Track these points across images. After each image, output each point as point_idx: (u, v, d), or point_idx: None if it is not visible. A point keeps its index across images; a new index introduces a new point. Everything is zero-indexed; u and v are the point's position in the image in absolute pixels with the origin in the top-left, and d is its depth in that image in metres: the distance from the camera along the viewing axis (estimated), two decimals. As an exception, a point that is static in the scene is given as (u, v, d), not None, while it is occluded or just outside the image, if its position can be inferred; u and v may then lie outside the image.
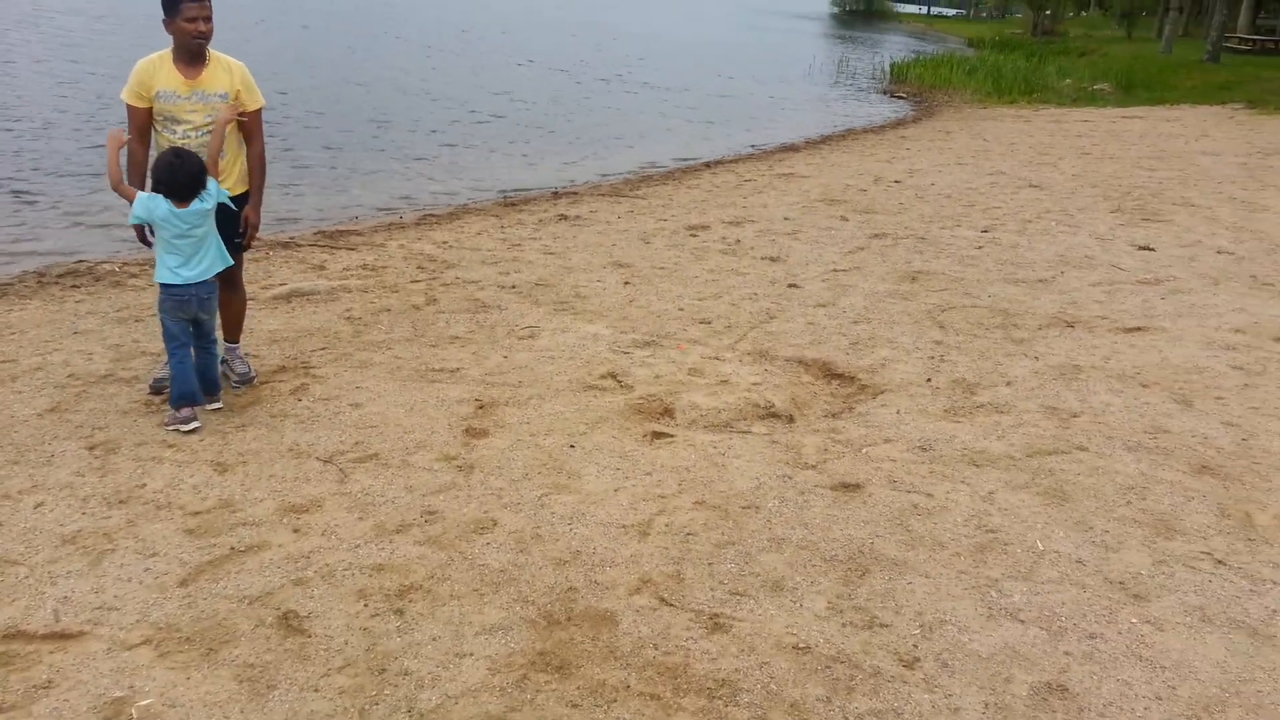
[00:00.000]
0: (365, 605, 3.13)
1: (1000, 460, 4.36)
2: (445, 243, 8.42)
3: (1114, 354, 5.79)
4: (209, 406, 4.60)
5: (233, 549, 3.44)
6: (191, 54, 4.42)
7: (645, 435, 4.60)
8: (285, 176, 10.54)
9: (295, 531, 3.58)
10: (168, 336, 4.43)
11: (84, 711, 2.58)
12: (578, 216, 9.66)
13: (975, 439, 4.59)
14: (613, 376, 5.31)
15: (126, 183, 4.41)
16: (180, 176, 4.22)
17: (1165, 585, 3.40)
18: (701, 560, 3.49)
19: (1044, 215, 9.98)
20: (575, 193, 11.23)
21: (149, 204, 4.28)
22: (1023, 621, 3.15)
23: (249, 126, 4.67)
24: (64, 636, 2.90)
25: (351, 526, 3.64)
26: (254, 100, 4.63)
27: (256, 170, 4.74)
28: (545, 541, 3.59)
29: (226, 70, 4.52)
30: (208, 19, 4.35)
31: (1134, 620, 3.18)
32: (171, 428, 4.36)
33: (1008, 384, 5.30)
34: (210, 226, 4.43)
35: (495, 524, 3.71)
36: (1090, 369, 5.53)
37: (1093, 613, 3.22)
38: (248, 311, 5.22)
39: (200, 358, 4.60)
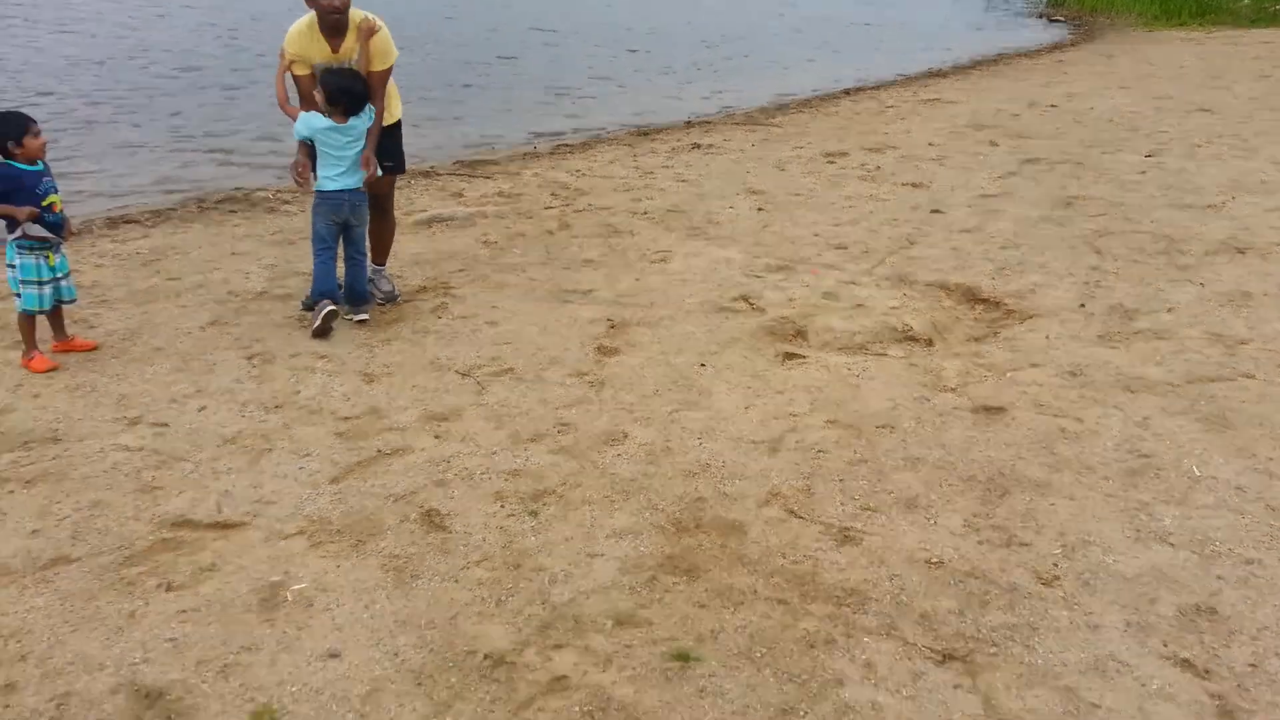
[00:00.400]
0: (502, 506, 3.23)
1: (1158, 386, 4.11)
2: (579, 171, 8.46)
3: (1291, 281, 5.33)
4: (355, 318, 4.80)
5: (379, 451, 3.60)
6: (330, 26, 4.52)
7: (777, 356, 4.54)
8: (427, 109, 10.78)
9: (436, 438, 3.72)
10: (316, 239, 4.72)
11: (244, 593, 2.77)
12: (711, 145, 9.53)
13: (1132, 365, 4.33)
14: (745, 299, 5.25)
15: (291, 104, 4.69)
16: (356, 88, 4.51)
17: (1341, 518, 3.14)
18: (832, 476, 3.44)
19: (1215, 140, 9.22)
20: (709, 122, 11.06)
21: (310, 120, 4.59)
22: (1173, 545, 2.98)
23: (375, 80, 4.67)
24: (226, 526, 3.11)
25: (489, 435, 3.75)
26: (380, 61, 4.63)
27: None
28: (675, 454, 3.61)
29: (355, 31, 4.56)
30: None
31: (1302, 551, 2.96)
32: (314, 318, 4.64)
33: (1169, 310, 4.97)
34: (364, 143, 4.63)
35: (626, 436, 3.75)
36: (1262, 296, 5.12)
37: (1250, 539, 3.01)
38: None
39: (350, 270, 4.83)
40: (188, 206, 7.08)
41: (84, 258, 5.74)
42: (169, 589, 2.78)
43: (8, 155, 4.03)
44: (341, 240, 4.82)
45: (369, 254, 5.10)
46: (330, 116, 4.56)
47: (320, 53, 4.58)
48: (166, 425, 3.75)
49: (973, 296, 5.31)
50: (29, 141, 4.04)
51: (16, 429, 3.67)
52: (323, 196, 4.70)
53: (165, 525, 3.09)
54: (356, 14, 4.58)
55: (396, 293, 5.19)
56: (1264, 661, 2.46)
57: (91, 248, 5.99)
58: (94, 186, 7.62)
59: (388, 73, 4.72)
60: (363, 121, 4.63)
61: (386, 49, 4.66)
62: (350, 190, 4.70)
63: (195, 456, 3.53)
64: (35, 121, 4.11)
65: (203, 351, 4.43)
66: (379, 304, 5.08)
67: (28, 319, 4.20)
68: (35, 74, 11.33)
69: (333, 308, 4.66)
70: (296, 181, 4.76)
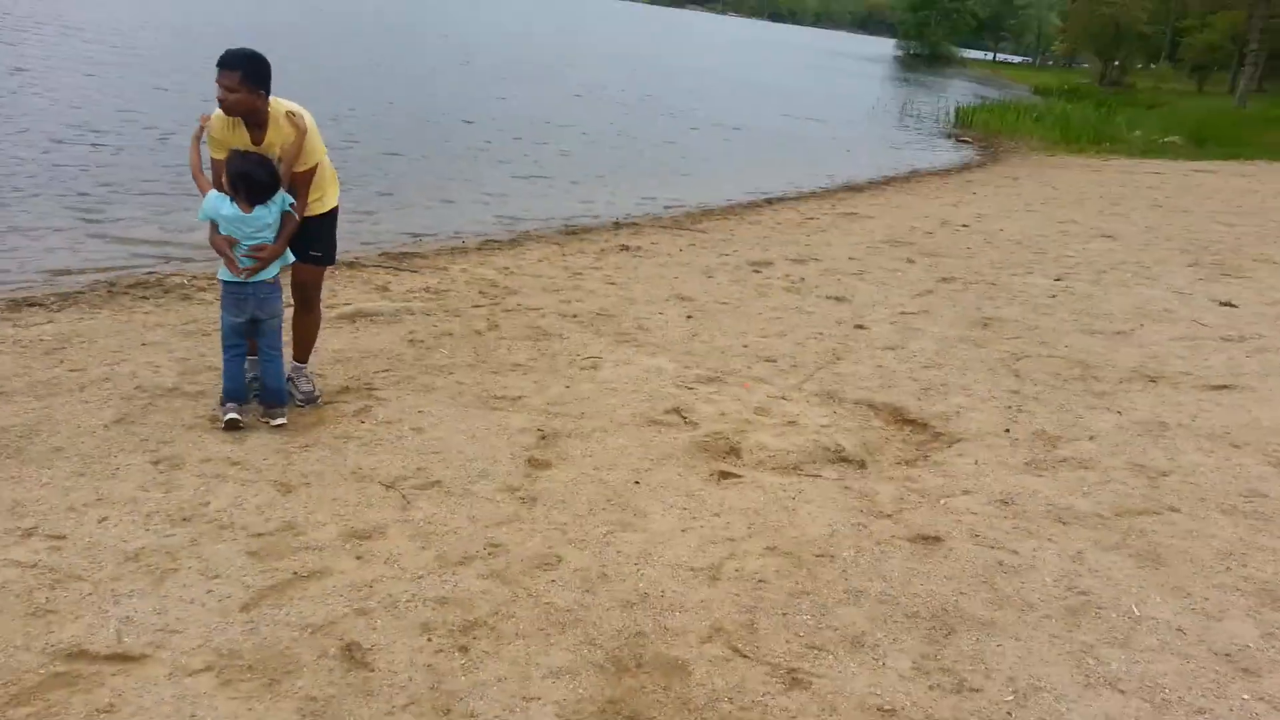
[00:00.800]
0: (429, 640, 3.03)
1: (1088, 518, 4.16)
2: (507, 269, 8.40)
3: (1200, 412, 5.54)
4: (272, 422, 4.57)
5: (295, 574, 3.36)
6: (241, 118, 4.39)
7: (712, 474, 4.47)
8: (353, 200, 10.64)
9: (358, 559, 3.50)
10: (224, 334, 4.52)
11: (143, 738, 2.50)
12: (639, 248, 9.61)
13: (1060, 494, 4.38)
14: (677, 412, 5.19)
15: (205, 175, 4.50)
16: (258, 175, 4.26)
17: (1277, 660, 3.17)
18: (775, 610, 3.34)
19: (1119, 266, 9.71)
20: (636, 224, 11.19)
21: (216, 203, 4.37)
22: (1123, 692, 2.96)
23: (297, 181, 4.53)
24: (126, 659, 2.83)
25: (414, 556, 3.55)
26: (303, 161, 4.49)
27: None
28: (612, 581, 3.47)
29: (279, 125, 4.43)
30: (231, 90, 4.22)
31: (1245, 696, 2.97)
32: (220, 419, 4.48)
33: (1091, 438, 5.08)
34: (273, 233, 4.44)
35: (560, 560, 3.59)
36: (1177, 426, 5.29)
37: (1199, 685, 3.01)
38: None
39: (264, 367, 4.61)
40: (97, 290, 6.75)
41: (-26, 342, 5.38)
42: (56, 737, 2.49)
43: None
44: (258, 335, 4.61)
45: (289, 350, 4.91)
46: (235, 203, 4.37)
47: (241, 142, 4.42)
48: (64, 538, 3.44)
49: (900, 417, 5.36)
50: None
51: (-114, 539, 3.32)
52: (226, 288, 4.48)
53: (59, 657, 2.80)
54: (280, 107, 4.43)
55: (317, 393, 4.98)
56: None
57: (-12, 331, 5.62)
58: (-9, 264, 7.22)
59: (309, 173, 4.55)
60: (270, 214, 4.39)
61: (309, 148, 4.49)
62: (254, 283, 4.46)
63: (94, 575, 3.23)
64: None
65: (106, 453, 4.13)
66: (297, 405, 4.85)
67: None
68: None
69: (234, 416, 4.46)
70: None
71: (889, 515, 4.13)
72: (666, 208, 12.51)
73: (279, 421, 4.59)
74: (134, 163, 11.03)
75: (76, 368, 5.10)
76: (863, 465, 4.69)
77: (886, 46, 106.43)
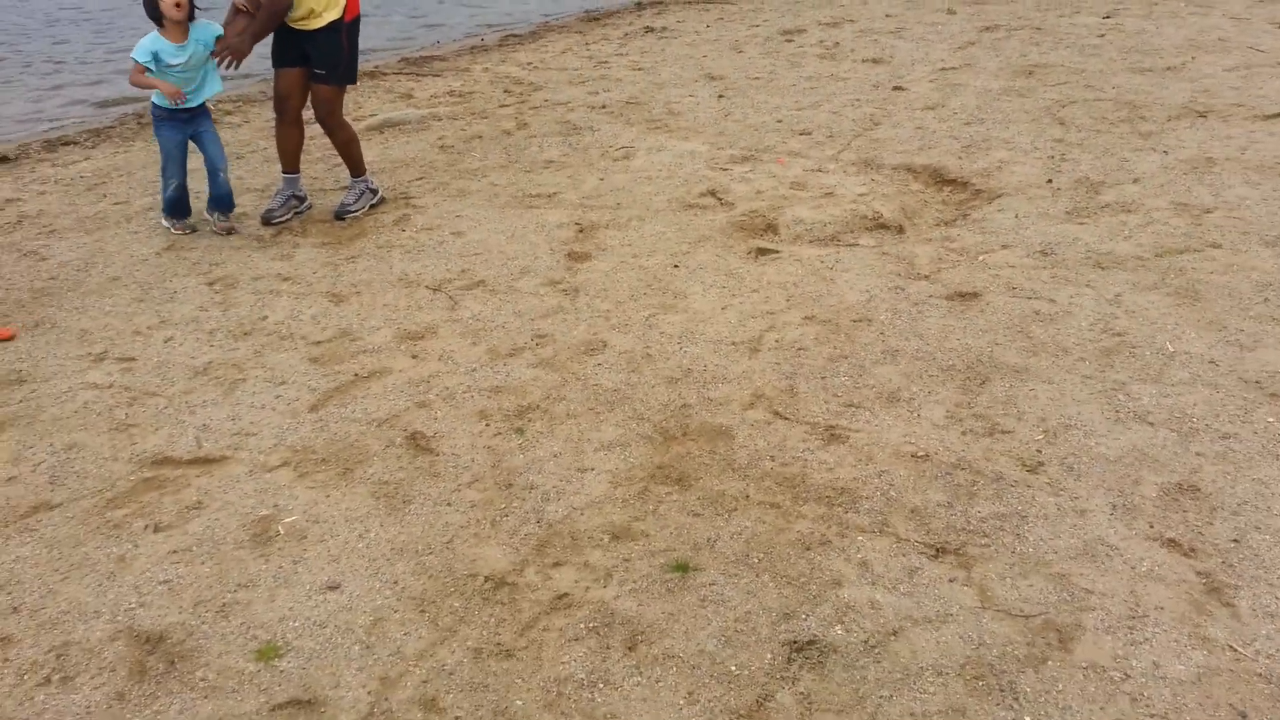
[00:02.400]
0: (487, 425, 3.21)
1: (1127, 261, 4.13)
2: (530, 64, 8.18)
3: (1251, 144, 5.34)
4: (222, 225, 4.78)
5: (356, 375, 3.54)
6: None
7: (750, 252, 4.50)
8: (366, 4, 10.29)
9: (413, 358, 3.66)
10: (163, 156, 4.62)
11: (235, 529, 2.75)
12: (664, 28, 9.23)
13: (1100, 240, 4.35)
14: (712, 194, 5.17)
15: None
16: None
17: (1309, 386, 3.22)
18: (814, 374, 3.45)
19: (1175, -4, 9.09)
20: (660, 2, 10.69)
21: (149, 43, 4.39)
22: (1152, 424, 3.05)
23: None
24: (208, 461, 3.06)
25: (466, 351, 3.70)
26: None
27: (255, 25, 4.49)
28: (656, 360, 3.59)
29: None
30: None
31: (1271, 419, 3.04)
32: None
33: (1135, 181, 4.97)
34: (205, 62, 4.50)
35: (605, 345, 3.72)
36: (1225, 161, 5.13)
37: (1226, 413, 3.09)
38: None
39: (211, 182, 4.72)
40: (126, 123, 6.77)
41: (25, 185, 5.50)
42: (157, 530, 2.75)
43: None
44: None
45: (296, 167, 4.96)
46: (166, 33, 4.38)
47: None
48: (134, 359, 3.65)
49: (940, 178, 5.27)
50: None
51: (-23, 374, 3.56)
52: (160, 116, 4.55)
53: (145, 464, 3.04)
54: None
55: (353, 207, 5.01)
56: (1246, 536, 2.55)
57: (31, 174, 5.73)
58: (21, 110, 7.25)
59: None
60: (201, 43, 4.43)
61: None
62: (187, 108, 4.54)
63: (167, 391, 3.45)
64: None
65: (162, 279, 4.30)
66: (341, 217, 4.94)
67: None
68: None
69: (179, 231, 4.75)
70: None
71: (926, 276, 4.15)
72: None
73: (226, 225, 4.78)
74: None
75: (120, 201, 5.20)
76: (901, 230, 4.68)
77: None
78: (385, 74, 8.12)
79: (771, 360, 3.56)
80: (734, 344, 3.68)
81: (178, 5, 4.29)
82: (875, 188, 5.13)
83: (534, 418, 3.26)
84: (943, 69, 7.23)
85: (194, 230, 4.78)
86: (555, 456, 3.05)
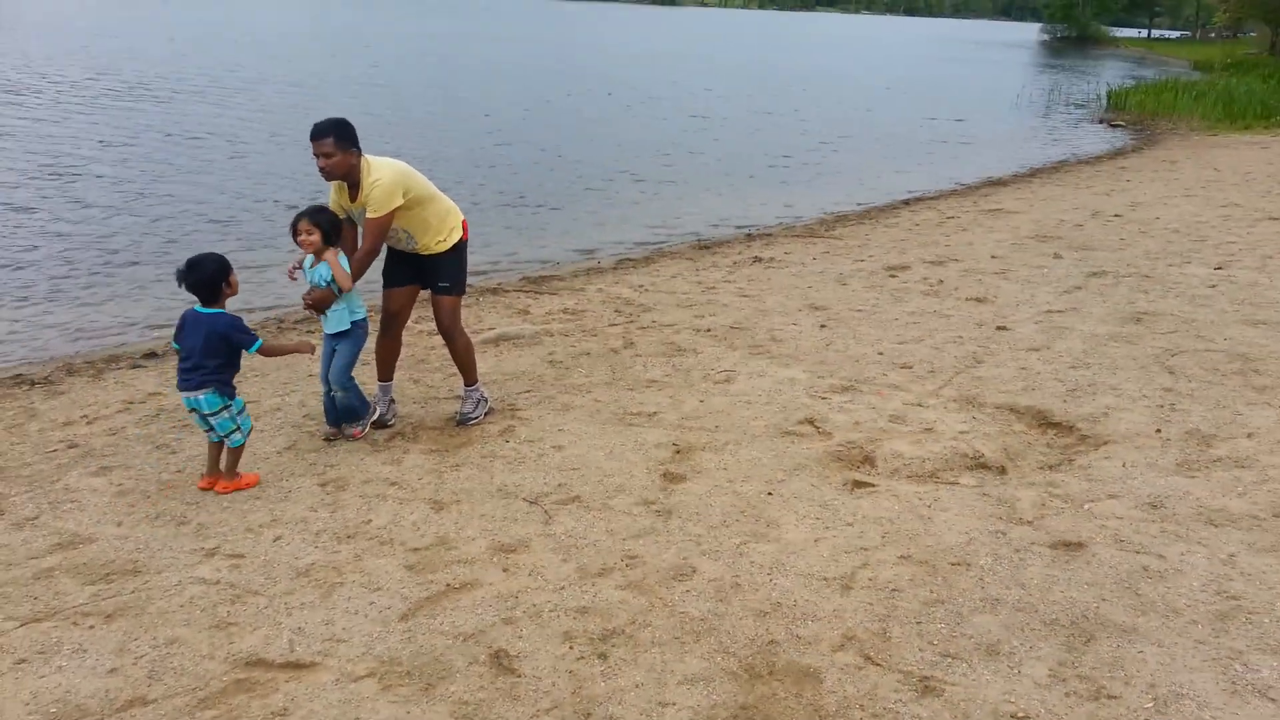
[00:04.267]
0: (571, 647, 3.20)
1: (1242, 519, 3.96)
2: (641, 286, 8.60)
3: (1381, 403, 5.15)
4: (345, 432, 5.04)
5: (448, 586, 3.61)
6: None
7: (846, 484, 4.49)
8: (492, 222, 11.14)
9: (505, 571, 3.72)
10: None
11: (316, 736, 2.76)
12: (772, 258, 9.64)
13: (1213, 495, 4.19)
14: (811, 422, 5.23)
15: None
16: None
17: None
18: (909, 618, 3.35)
19: (1288, 248, 9.07)
20: (769, 234, 11.22)
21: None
22: (1274, 700, 2.83)
23: (364, 228, 4.82)
24: (298, 666, 3.12)
25: (557, 568, 3.74)
26: (372, 210, 4.73)
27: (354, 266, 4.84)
28: (745, 591, 3.56)
29: (370, 187, 4.72)
30: (326, 155, 4.61)
31: None
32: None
33: (1249, 435, 4.82)
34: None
35: (694, 571, 3.71)
36: (1352, 420, 4.94)
37: (1366, 700, 2.84)
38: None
39: (335, 396, 5.01)
40: (266, 326, 7.33)
41: (168, 379, 5.95)
42: (241, 734, 2.78)
43: (220, 296, 4.28)
44: None
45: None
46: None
47: (345, 201, 4.83)
48: (242, 556, 3.81)
49: (1044, 420, 5.22)
50: (234, 280, 4.36)
51: (99, 560, 3.76)
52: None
53: (239, 664, 3.11)
54: (368, 167, 4.72)
55: (473, 416, 5.25)
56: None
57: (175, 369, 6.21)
58: (169, 309, 7.94)
59: (377, 220, 4.72)
60: (320, 276, 4.75)
61: (378, 200, 4.70)
62: (327, 335, 4.95)
63: (269, 590, 3.57)
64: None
65: (279, 477, 4.53)
66: (463, 424, 5.17)
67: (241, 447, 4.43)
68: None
69: (331, 438, 5.03)
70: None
71: (1029, 522, 4.05)
72: (799, 217, 12.49)
73: (350, 431, 5.04)
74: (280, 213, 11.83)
75: (251, 399, 5.57)
76: (1003, 471, 4.61)
77: (1030, 32, 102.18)
78: (506, 291, 8.65)
79: (864, 600, 3.48)
80: (825, 579, 3.62)
81: (304, 240, 4.72)
82: (976, 426, 5.11)
83: (618, 643, 3.23)
84: (1048, 311, 7.30)
85: (330, 440, 5.00)
86: (637, 687, 2.99)
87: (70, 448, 4.86)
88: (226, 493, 4.35)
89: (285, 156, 14.33)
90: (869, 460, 4.73)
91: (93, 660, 3.12)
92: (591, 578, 3.66)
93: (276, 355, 4.74)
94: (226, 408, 4.31)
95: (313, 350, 4.93)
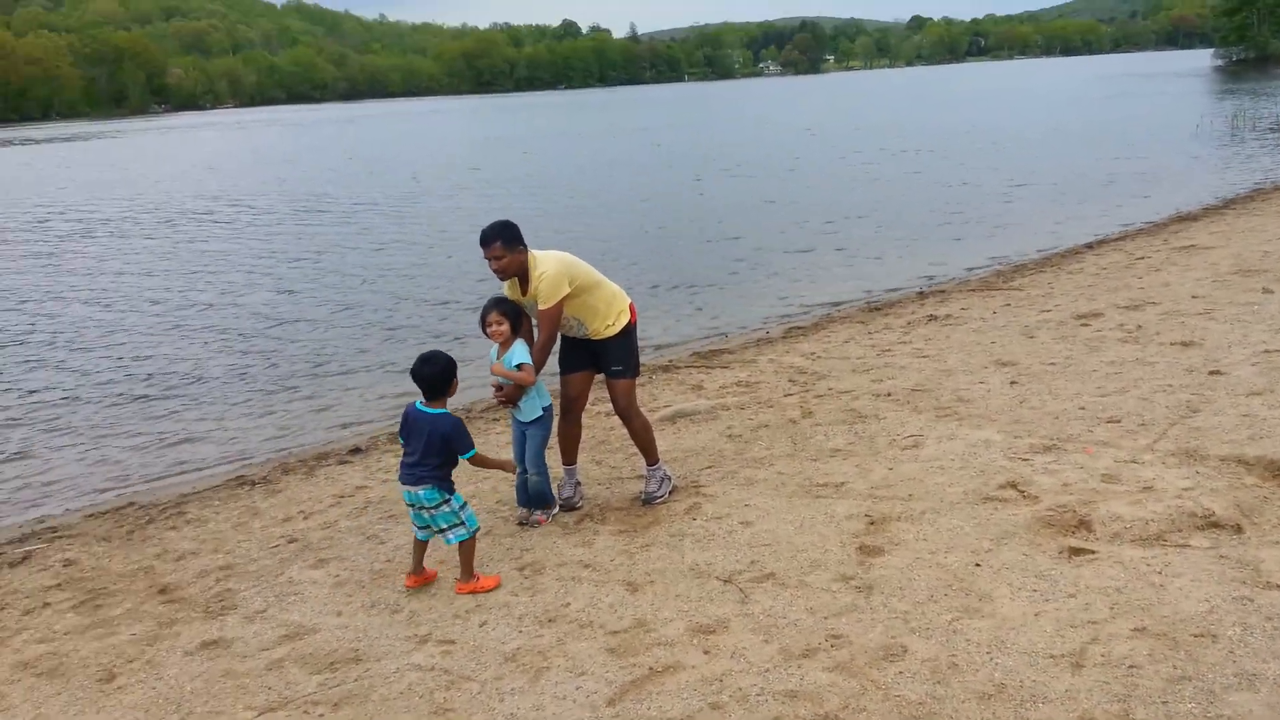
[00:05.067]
0: (783, 734, 3.09)
1: None
2: (813, 353, 8.49)
3: None
4: (531, 517, 5.12)
5: (651, 669, 3.57)
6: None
7: (1061, 551, 4.20)
8: (657, 301, 11.31)
9: (706, 653, 3.65)
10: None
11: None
12: (948, 315, 9.34)
13: None
14: (1013, 486, 4.95)
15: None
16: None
17: None
18: (1154, 698, 3.06)
19: None
20: (942, 291, 10.90)
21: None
22: None
23: (539, 320, 5.01)
24: (514, 751, 3.14)
25: (758, 649, 3.65)
26: (542, 301, 4.90)
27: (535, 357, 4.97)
28: (964, 671, 3.35)
29: (537, 280, 4.91)
30: (496, 258, 4.85)
31: None
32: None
33: None
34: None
35: (905, 650, 3.53)
36: None
37: None
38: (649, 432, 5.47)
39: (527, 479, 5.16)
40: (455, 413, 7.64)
41: (372, 473, 6.28)
42: (465, 824, 2.81)
43: (445, 394, 4.41)
44: None
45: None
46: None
47: (516, 295, 5.03)
48: (453, 642, 3.91)
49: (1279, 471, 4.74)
50: (456, 381, 4.48)
51: (323, 649, 3.95)
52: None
53: (457, 752, 3.17)
54: (534, 262, 4.91)
55: (658, 495, 5.27)
56: None
57: (378, 463, 6.55)
58: (373, 407, 8.42)
59: (548, 311, 4.88)
60: (514, 359, 4.87)
61: (546, 292, 4.86)
62: (519, 422, 5.09)
63: (480, 676, 3.64)
64: None
65: (480, 564, 4.65)
66: (649, 503, 5.20)
67: (473, 541, 4.45)
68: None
69: (523, 521, 5.16)
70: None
71: (1279, 585, 3.65)
72: (970, 270, 12.08)
73: (535, 518, 5.12)
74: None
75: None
76: (1239, 530, 4.20)
77: (1202, 58, 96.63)
78: (678, 367, 8.72)
79: (1099, 678, 3.21)
80: (1052, 657, 3.37)
81: (495, 331, 4.91)
82: (1201, 481, 4.70)
83: (833, 729, 3.09)
84: (1266, 351, 6.71)
85: (523, 524, 5.12)
86: (858, 776, 2.85)
87: (290, 542, 5.18)
88: (464, 594, 4.33)
89: (456, 260, 15.12)
90: (1084, 524, 4.42)
91: (323, 750, 3.26)
92: (796, 659, 3.54)
93: (484, 468, 4.76)
94: (446, 502, 4.36)
95: (514, 471, 4.97)
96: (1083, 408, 6.02)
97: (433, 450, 4.30)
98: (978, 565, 4.15)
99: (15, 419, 8.29)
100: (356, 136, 48.19)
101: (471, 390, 7.71)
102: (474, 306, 11.26)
